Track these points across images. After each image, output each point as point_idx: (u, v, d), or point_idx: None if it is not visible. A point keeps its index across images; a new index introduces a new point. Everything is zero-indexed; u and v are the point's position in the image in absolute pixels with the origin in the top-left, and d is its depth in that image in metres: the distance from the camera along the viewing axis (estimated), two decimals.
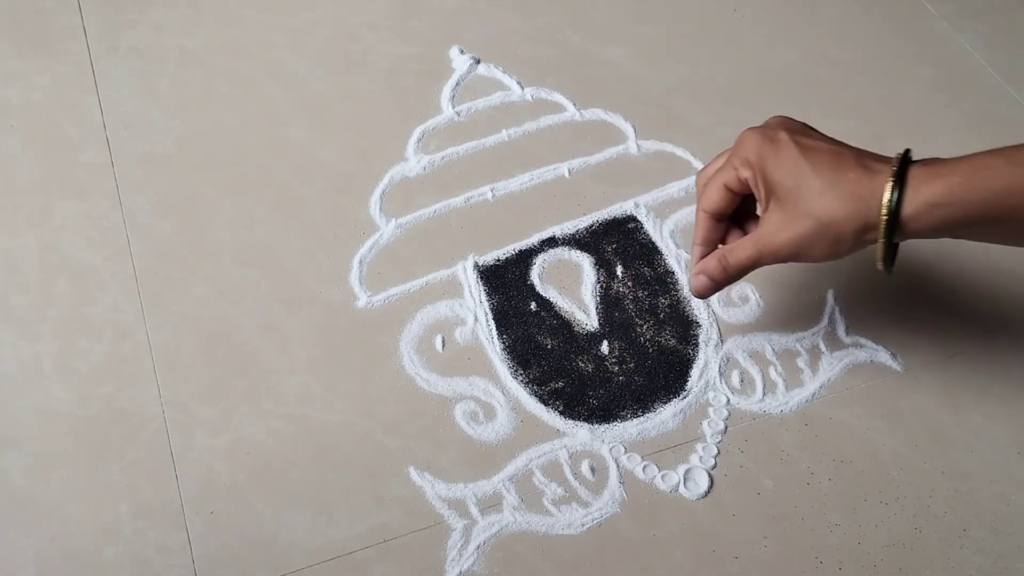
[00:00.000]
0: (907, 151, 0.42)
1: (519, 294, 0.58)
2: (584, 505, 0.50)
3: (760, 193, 0.45)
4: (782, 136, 0.45)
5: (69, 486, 0.50)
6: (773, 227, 0.45)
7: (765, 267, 0.57)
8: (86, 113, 0.67)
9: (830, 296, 0.59)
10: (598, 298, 0.58)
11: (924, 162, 0.42)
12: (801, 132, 0.45)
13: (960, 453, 0.53)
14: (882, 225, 0.41)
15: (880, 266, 0.44)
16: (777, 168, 0.44)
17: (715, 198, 0.48)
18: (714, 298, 0.59)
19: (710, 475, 0.52)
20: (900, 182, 0.41)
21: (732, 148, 0.47)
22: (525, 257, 0.60)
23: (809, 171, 0.43)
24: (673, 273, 0.60)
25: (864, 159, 0.43)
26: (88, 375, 0.54)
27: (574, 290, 0.59)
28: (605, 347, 0.56)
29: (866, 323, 0.58)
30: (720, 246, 0.49)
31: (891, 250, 0.43)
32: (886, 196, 0.41)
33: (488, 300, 0.58)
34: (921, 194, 0.41)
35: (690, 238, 0.61)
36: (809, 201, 0.43)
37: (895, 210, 0.41)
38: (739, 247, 0.47)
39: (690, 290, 0.49)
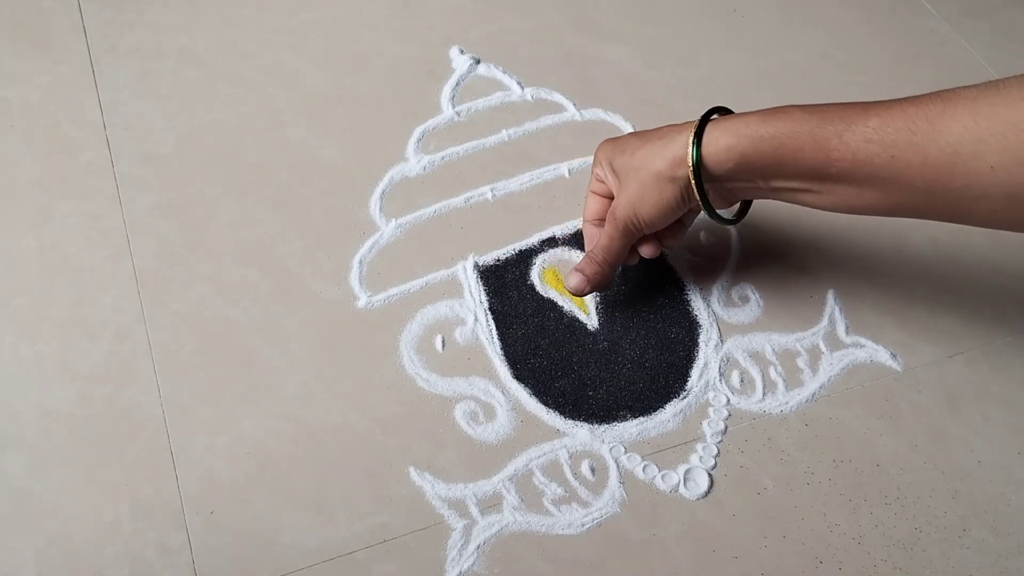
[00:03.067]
0: (713, 108, 0.49)
1: (519, 294, 0.58)
2: (584, 505, 0.50)
3: (613, 183, 0.52)
4: (626, 135, 0.53)
5: (69, 486, 0.50)
6: (616, 198, 0.52)
7: (765, 267, 0.57)
8: (86, 113, 0.67)
9: (830, 296, 0.59)
10: (598, 298, 0.58)
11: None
12: (645, 131, 0.52)
13: (960, 453, 0.53)
14: (690, 151, 0.47)
15: (707, 213, 0.51)
16: (618, 155, 0.51)
17: (588, 206, 0.56)
18: (714, 298, 0.59)
19: (710, 475, 0.52)
20: (705, 121, 0.48)
21: (592, 163, 0.55)
22: (525, 257, 0.60)
23: (638, 143, 0.51)
24: (674, 273, 0.60)
25: (687, 124, 0.49)
26: (88, 375, 0.54)
27: None
28: (605, 347, 0.56)
29: (866, 323, 0.58)
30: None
31: (704, 188, 0.48)
32: (691, 130, 0.48)
33: (488, 300, 0.58)
34: (720, 127, 0.47)
35: (690, 238, 0.62)
36: (635, 160, 0.50)
37: (698, 141, 0.47)
38: (600, 236, 0.54)
39: (570, 289, 0.55)
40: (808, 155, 0.45)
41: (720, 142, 0.46)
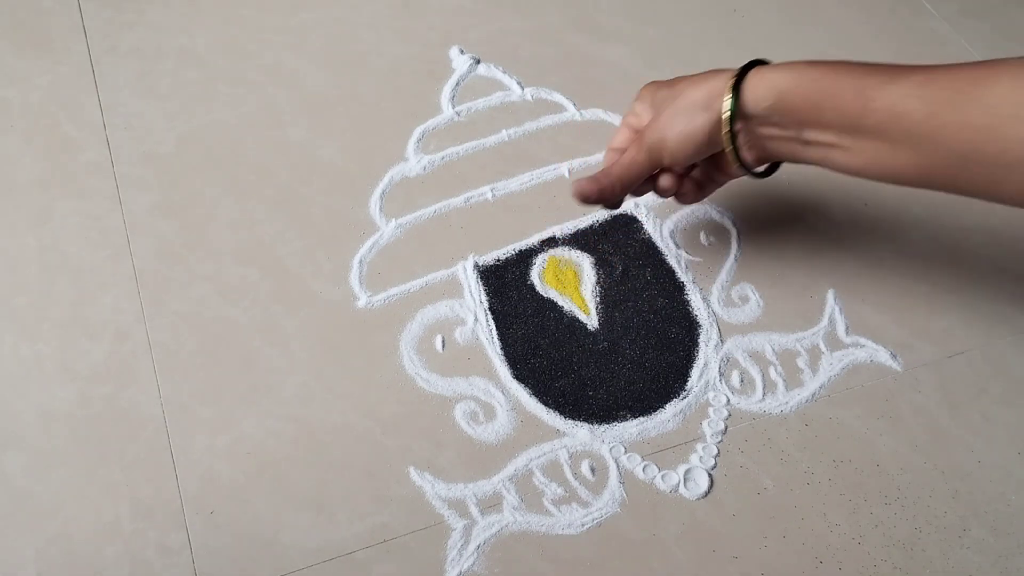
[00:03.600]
0: (757, 60, 0.48)
1: (519, 294, 0.58)
2: (584, 505, 0.50)
3: (649, 115, 0.52)
4: (676, 77, 0.52)
5: (69, 486, 0.50)
6: (648, 123, 0.52)
7: (765, 267, 0.57)
8: (86, 113, 0.67)
9: (830, 296, 0.59)
10: (598, 298, 0.59)
11: None
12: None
13: (960, 453, 0.53)
14: (729, 84, 0.47)
15: (731, 157, 0.49)
16: (662, 89, 0.51)
17: (617, 135, 0.55)
18: (714, 298, 0.59)
19: (710, 475, 0.52)
20: (752, 64, 0.48)
21: (633, 99, 0.55)
22: (525, 257, 0.60)
23: (684, 80, 0.50)
24: (674, 273, 0.60)
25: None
26: (88, 375, 0.54)
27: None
28: (605, 347, 0.56)
29: (866, 323, 0.58)
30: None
31: (736, 130, 0.48)
32: (735, 70, 0.47)
33: (488, 300, 0.58)
34: (769, 68, 0.47)
35: (690, 238, 0.62)
36: (675, 91, 0.50)
37: (741, 77, 0.47)
38: (623, 154, 0.53)
39: (573, 193, 0.53)
40: (847, 101, 0.44)
41: (763, 78, 0.46)
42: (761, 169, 0.51)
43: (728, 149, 0.48)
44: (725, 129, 0.47)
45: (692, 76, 0.50)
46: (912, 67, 0.44)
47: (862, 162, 0.46)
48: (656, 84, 0.52)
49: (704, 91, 0.48)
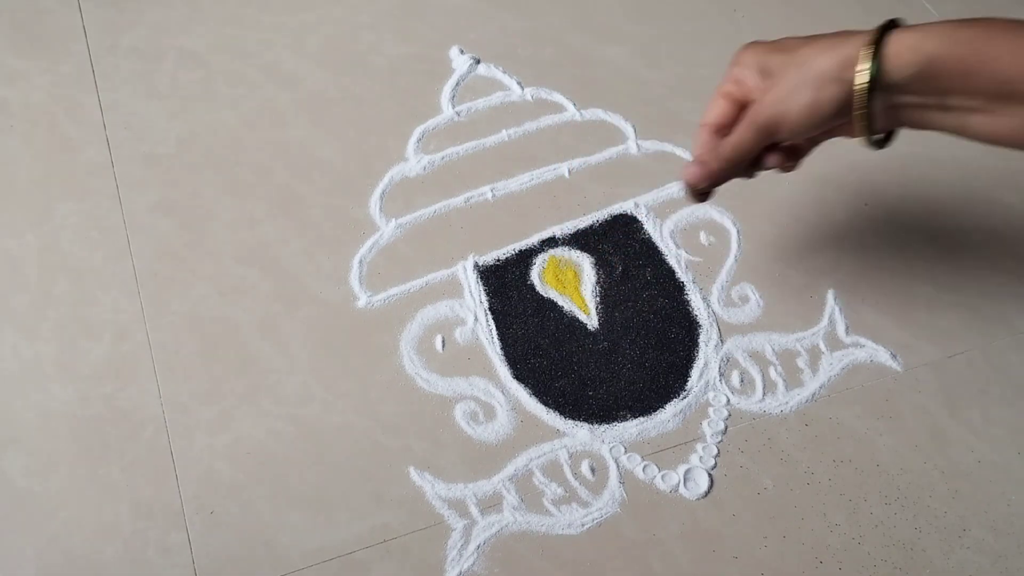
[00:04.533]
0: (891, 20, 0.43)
1: (519, 294, 0.58)
2: (584, 505, 0.50)
3: (757, 84, 0.46)
4: (781, 38, 0.46)
5: (69, 486, 0.50)
6: (762, 97, 0.45)
7: (765, 267, 0.57)
8: (86, 113, 0.67)
9: (830, 296, 0.59)
10: (598, 298, 0.59)
11: None
12: (807, 36, 0.46)
13: (960, 453, 0.53)
14: (866, 54, 0.41)
15: (861, 130, 0.43)
16: (774, 55, 0.45)
17: (711, 109, 0.48)
18: (714, 298, 0.59)
19: (710, 475, 0.52)
20: (891, 25, 0.42)
21: (730, 64, 0.48)
22: (525, 257, 0.60)
23: (801, 43, 0.44)
24: (673, 273, 0.60)
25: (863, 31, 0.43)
26: (88, 375, 0.54)
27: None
28: (605, 347, 0.56)
29: (866, 323, 0.58)
30: None
31: (873, 103, 0.42)
32: (872, 32, 0.41)
33: (488, 300, 0.58)
34: (910, 30, 0.41)
35: (690, 238, 0.62)
36: (796, 58, 0.44)
37: (879, 39, 0.41)
38: (733, 131, 0.47)
39: (683, 181, 0.48)
40: (1004, 65, 0.39)
41: (905, 42, 0.40)
42: (882, 136, 0.46)
43: (862, 124, 0.43)
44: (862, 103, 0.42)
45: (812, 40, 0.44)
46: None
47: (1008, 129, 0.41)
48: (760, 47, 0.46)
49: (834, 59, 0.42)
